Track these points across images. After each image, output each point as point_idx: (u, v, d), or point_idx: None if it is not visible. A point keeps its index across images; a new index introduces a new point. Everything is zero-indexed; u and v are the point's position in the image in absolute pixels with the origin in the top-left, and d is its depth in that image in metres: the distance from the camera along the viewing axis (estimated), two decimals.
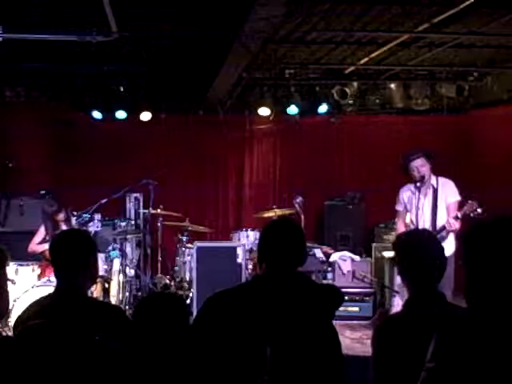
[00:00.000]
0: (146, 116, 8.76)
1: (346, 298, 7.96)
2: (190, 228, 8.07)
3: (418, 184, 5.91)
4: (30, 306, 2.92)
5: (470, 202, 5.50)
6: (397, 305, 5.82)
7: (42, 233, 7.03)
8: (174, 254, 8.14)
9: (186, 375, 2.44)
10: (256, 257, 8.31)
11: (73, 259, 2.87)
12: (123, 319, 2.87)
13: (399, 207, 6.13)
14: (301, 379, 2.70)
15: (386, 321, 2.85)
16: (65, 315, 2.75)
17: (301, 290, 2.86)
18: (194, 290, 7.19)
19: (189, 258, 7.65)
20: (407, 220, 6.01)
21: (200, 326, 2.83)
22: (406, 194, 6.04)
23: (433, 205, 5.82)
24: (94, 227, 7.25)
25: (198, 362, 2.57)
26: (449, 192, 5.87)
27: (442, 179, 5.93)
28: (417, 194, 5.91)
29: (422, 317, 2.49)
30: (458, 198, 5.85)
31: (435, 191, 5.85)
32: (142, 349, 2.51)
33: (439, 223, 5.76)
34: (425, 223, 5.81)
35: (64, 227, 7.19)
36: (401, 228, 6.10)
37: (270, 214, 8.12)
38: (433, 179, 5.90)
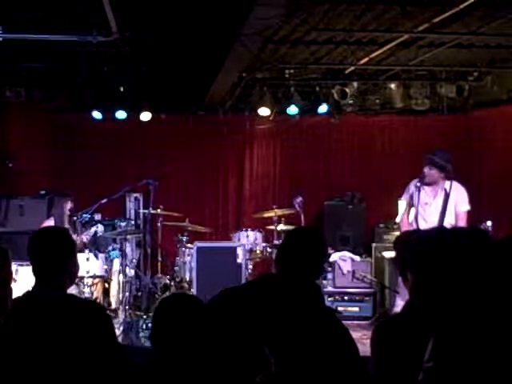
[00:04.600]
0: (145, 116, 8.76)
1: (346, 298, 7.98)
2: (189, 228, 8.07)
3: (418, 184, 5.93)
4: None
5: (484, 223, 5.42)
6: (398, 305, 5.82)
7: None
8: (174, 254, 8.14)
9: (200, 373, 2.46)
10: (257, 257, 8.33)
11: (50, 259, 2.84)
12: (102, 316, 2.85)
13: (404, 197, 6.13)
14: (301, 374, 2.71)
15: (385, 321, 2.85)
16: (40, 314, 2.74)
17: (304, 295, 2.89)
18: (193, 290, 7.19)
19: (189, 258, 7.64)
20: (410, 218, 6.01)
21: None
22: (412, 187, 6.04)
23: (442, 208, 5.80)
24: (94, 227, 7.26)
25: (203, 359, 2.58)
26: (460, 199, 5.84)
27: (455, 184, 5.89)
28: (416, 193, 5.92)
29: (422, 317, 2.49)
30: (468, 207, 5.83)
31: (447, 195, 5.83)
32: (163, 349, 2.53)
33: None
34: (430, 224, 5.79)
35: (67, 227, 7.21)
36: (403, 222, 6.11)
37: (270, 213, 8.12)
38: (446, 183, 5.87)
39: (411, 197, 6.04)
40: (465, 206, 5.83)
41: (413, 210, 6.00)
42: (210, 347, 2.64)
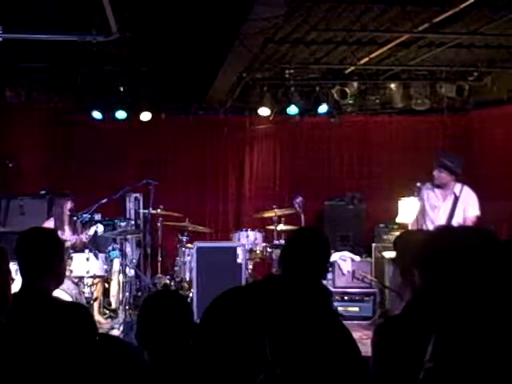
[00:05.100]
0: (145, 116, 8.76)
1: (346, 298, 7.97)
2: (190, 228, 8.07)
3: (419, 184, 5.93)
4: None
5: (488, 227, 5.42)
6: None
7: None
8: (174, 254, 8.14)
9: (192, 372, 2.46)
10: (257, 257, 8.32)
11: (37, 260, 2.83)
12: (86, 318, 2.85)
13: (419, 202, 6.12)
14: (304, 376, 2.70)
15: (386, 321, 2.85)
16: (26, 315, 2.74)
17: (309, 296, 2.89)
18: (193, 289, 7.19)
19: (189, 258, 7.64)
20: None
21: (207, 323, 2.85)
22: (423, 190, 6.03)
23: (450, 212, 5.79)
24: (94, 227, 7.26)
25: (205, 358, 2.58)
26: (469, 204, 5.82)
27: (466, 189, 5.87)
28: (424, 194, 5.92)
29: (422, 317, 2.49)
30: (478, 213, 5.81)
31: (456, 199, 5.81)
32: (148, 347, 2.52)
33: None
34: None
35: (67, 227, 7.21)
36: (413, 223, 6.11)
37: (270, 214, 8.12)
38: (457, 187, 5.85)
39: (422, 200, 6.04)
40: (474, 211, 5.81)
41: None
42: (203, 345, 2.63)
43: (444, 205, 5.87)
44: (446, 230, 1.88)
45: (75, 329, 2.72)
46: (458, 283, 1.65)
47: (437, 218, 5.86)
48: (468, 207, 5.81)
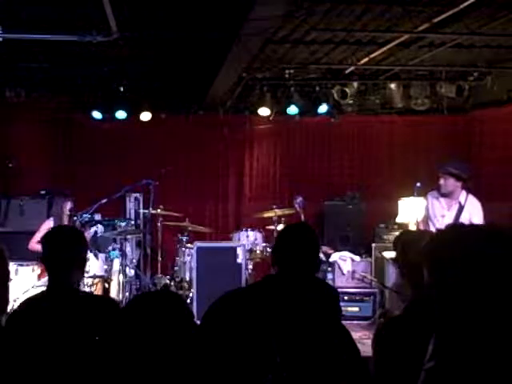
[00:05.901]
0: (145, 116, 8.76)
1: (346, 298, 7.97)
2: (189, 228, 8.07)
3: (419, 184, 5.94)
4: (24, 302, 2.94)
5: None
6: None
7: (44, 230, 7.01)
8: (174, 254, 8.15)
9: (190, 376, 2.44)
10: (257, 257, 8.30)
11: (68, 257, 2.91)
12: (116, 312, 2.87)
13: (424, 211, 6.11)
14: (309, 377, 2.70)
15: (386, 322, 2.85)
16: (58, 310, 2.76)
17: (309, 293, 2.89)
18: (193, 290, 7.20)
19: (189, 258, 7.65)
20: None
21: (208, 327, 2.84)
22: (429, 198, 6.04)
23: (454, 221, 5.78)
24: (94, 227, 7.26)
25: (204, 361, 2.56)
26: (474, 213, 5.81)
27: (471, 198, 5.86)
28: (431, 203, 5.93)
29: (423, 318, 2.49)
30: (482, 222, 5.82)
31: (461, 208, 5.81)
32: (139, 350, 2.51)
33: None
34: None
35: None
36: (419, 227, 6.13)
37: (270, 214, 8.12)
38: (462, 195, 5.84)
39: (427, 208, 6.04)
40: (478, 220, 5.81)
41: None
42: (205, 349, 2.62)
43: (449, 214, 5.87)
44: (457, 228, 1.87)
45: (107, 322, 2.75)
46: (466, 281, 1.65)
47: (441, 226, 5.85)
48: (472, 216, 5.79)
